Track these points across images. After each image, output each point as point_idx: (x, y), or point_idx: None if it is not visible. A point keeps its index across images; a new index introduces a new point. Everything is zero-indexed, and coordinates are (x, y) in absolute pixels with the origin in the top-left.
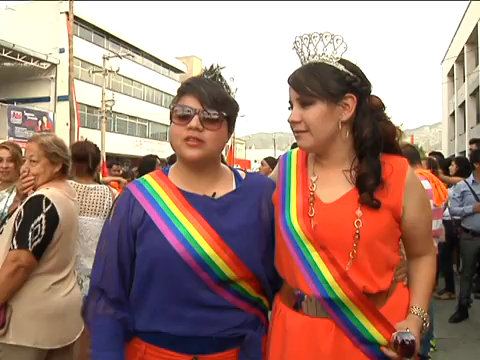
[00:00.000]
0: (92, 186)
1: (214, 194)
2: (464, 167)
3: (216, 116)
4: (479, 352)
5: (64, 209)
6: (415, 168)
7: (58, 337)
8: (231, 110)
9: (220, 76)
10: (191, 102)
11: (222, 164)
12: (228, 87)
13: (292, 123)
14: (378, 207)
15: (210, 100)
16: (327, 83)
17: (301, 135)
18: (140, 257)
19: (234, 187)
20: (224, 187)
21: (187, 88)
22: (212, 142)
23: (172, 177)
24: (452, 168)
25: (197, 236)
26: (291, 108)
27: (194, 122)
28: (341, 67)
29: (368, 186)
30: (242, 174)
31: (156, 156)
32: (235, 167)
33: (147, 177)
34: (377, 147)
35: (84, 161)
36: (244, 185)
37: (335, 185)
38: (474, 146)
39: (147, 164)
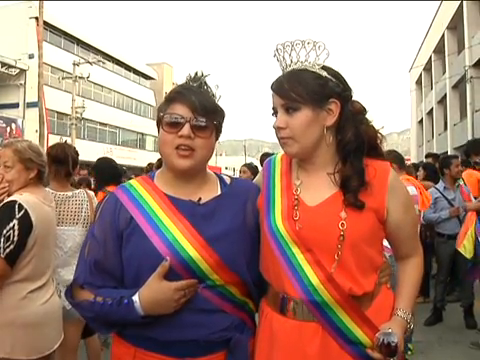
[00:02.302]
0: (70, 194)
1: (199, 199)
2: (431, 172)
3: (207, 124)
4: (455, 354)
5: (38, 214)
6: (401, 173)
7: (35, 347)
8: (220, 118)
9: (205, 83)
10: (181, 110)
11: (208, 170)
12: (214, 95)
13: (277, 129)
14: (362, 208)
15: (201, 108)
16: (311, 89)
17: (287, 141)
18: (127, 261)
19: (219, 192)
20: (209, 192)
21: (177, 96)
22: (202, 150)
23: (158, 182)
24: (420, 174)
25: (183, 241)
26: (275, 114)
27: (186, 130)
28: (324, 73)
29: (352, 187)
30: (227, 179)
31: (112, 159)
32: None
33: (133, 182)
34: (360, 150)
35: (63, 164)
36: (229, 190)
37: (319, 188)
38: (431, 160)
39: (107, 168)
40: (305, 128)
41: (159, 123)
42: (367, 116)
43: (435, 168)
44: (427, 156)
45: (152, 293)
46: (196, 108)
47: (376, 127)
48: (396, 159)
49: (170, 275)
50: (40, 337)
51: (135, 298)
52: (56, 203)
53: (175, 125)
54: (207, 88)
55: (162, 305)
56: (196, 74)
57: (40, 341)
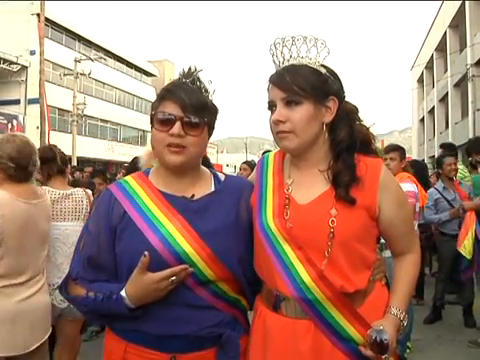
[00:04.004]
0: (68, 192)
1: (193, 195)
2: (419, 170)
3: (198, 122)
4: (454, 353)
5: (8, 211)
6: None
7: (5, 344)
8: (211, 114)
9: (198, 79)
10: (172, 108)
11: (202, 166)
12: (207, 90)
13: (276, 123)
14: (353, 203)
15: (191, 105)
16: (313, 84)
17: (286, 136)
18: (120, 255)
19: (213, 188)
20: (203, 188)
21: (167, 94)
22: (194, 147)
23: (152, 178)
24: None
25: (177, 235)
26: (271, 109)
27: (176, 129)
28: (323, 70)
29: (343, 182)
30: (221, 176)
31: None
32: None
33: (128, 178)
34: (352, 147)
35: (52, 161)
36: (223, 187)
37: (311, 186)
38: (441, 151)
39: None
40: (306, 123)
41: (152, 120)
42: (359, 116)
43: (423, 165)
44: (441, 146)
45: (136, 288)
46: (186, 106)
47: (367, 125)
48: (403, 155)
49: (164, 269)
50: (12, 335)
51: (123, 293)
52: (56, 200)
53: (166, 123)
54: (200, 84)
55: (149, 295)
56: (189, 69)
57: (12, 339)
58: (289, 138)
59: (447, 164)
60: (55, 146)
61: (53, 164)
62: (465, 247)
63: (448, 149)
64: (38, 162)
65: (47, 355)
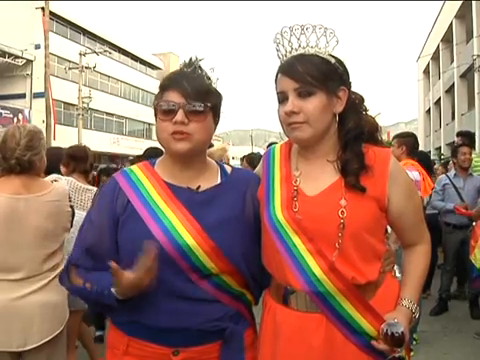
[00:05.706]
0: (89, 187)
1: (198, 187)
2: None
3: (201, 108)
4: (460, 344)
5: None
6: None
7: None
8: (215, 100)
9: (200, 68)
10: (174, 97)
11: (208, 158)
12: (209, 78)
13: (289, 114)
14: (363, 191)
15: (193, 92)
16: (326, 74)
17: (299, 126)
18: (122, 245)
19: (219, 181)
20: (209, 180)
21: (169, 83)
22: (199, 134)
23: (158, 169)
24: None
25: (179, 227)
26: (281, 100)
27: (179, 116)
28: (333, 60)
29: (353, 169)
30: (228, 169)
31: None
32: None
33: (134, 167)
34: (360, 137)
35: (81, 160)
36: (229, 179)
37: (319, 177)
38: (459, 139)
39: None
40: (319, 113)
41: (155, 112)
42: (366, 105)
43: (427, 156)
44: (458, 134)
45: (123, 289)
46: (188, 93)
47: (372, 115)
48: (412, 144)
49: (166, 261)
50: None
51: (113, 291)
52: (77, 191)
53: (169, 112)
54: (201, 72)
55: (139, 290)
56: (190, 59)
57: None
58: (302, 128)
59: (461, 153)
60: (89, 149)
61: (81, 163)
62: (476, 256)
63: (465, 137)
64: (39, 152)
65: (63, 350)
